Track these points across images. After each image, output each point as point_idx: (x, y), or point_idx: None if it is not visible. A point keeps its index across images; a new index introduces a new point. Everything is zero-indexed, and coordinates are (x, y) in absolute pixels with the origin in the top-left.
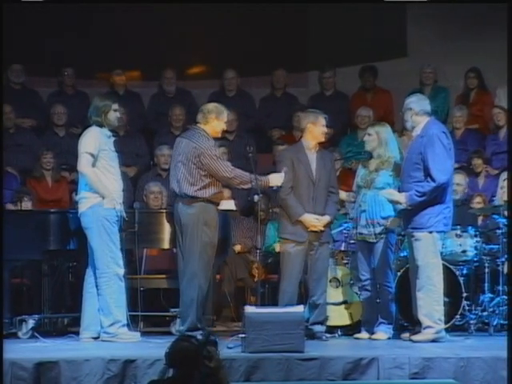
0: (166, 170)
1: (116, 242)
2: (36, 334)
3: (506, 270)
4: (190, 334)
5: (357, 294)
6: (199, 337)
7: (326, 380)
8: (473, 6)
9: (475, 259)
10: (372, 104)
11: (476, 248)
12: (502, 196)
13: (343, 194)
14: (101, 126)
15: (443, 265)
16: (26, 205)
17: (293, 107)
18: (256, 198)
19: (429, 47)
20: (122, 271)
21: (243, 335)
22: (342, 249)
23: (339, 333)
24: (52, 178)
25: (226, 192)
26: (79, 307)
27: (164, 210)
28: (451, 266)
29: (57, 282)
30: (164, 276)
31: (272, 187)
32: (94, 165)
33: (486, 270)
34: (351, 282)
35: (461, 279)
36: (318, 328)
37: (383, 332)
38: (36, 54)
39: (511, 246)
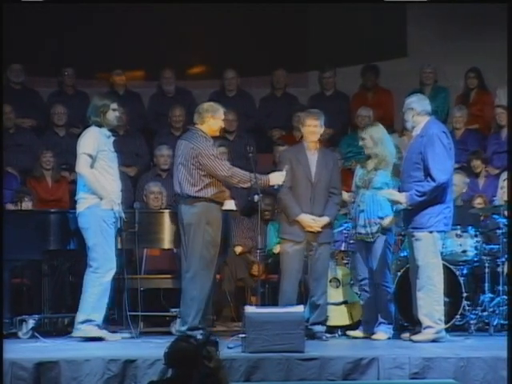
0: (165, 171)
1: (111, 243)
2: (36, 333)
3: (506, 270)
4: (189, 334)
5: (357, 293)
6: (199, 337)
7: (326, 380)
8: (473, 6)
9: (475, 259)
10: (372, 104)
11: (476, 248)
12: (502, 196)
13: (345, 195)
14: (100, 125)
15: (443, 265)
16: (26, 205)
17: (293, 107)
18: (256, 197)
19: (429, 47)
20: (111, 274)
21: (243, 335)
22: (342, 249)
23: (339, 333)
24: (52, 178)
25: (226, 192)
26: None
27: (164, 210)
28: (451, 266)
29: (57, 282)
30: (164, 276)
31: (273, 186)
32: (92, 166)
33: (486, 270)
34: (351, 282)
35: (461, 279)
36: (318, 328)
37: (383, 332)
38: (36, 53)
39: (511, 246)
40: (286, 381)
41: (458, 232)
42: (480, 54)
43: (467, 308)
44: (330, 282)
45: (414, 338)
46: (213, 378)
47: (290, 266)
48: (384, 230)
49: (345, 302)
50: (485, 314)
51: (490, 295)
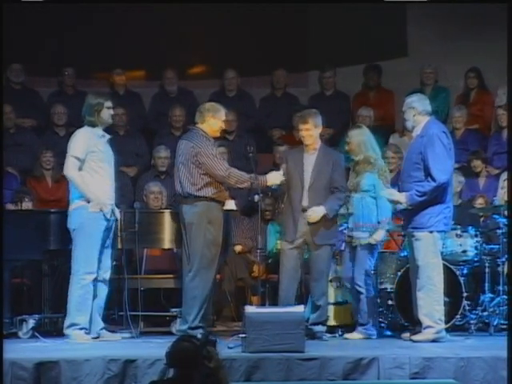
0: (163, 173)
1: (95, 247)
2: (36, 333)
3: (506, 270)
4: (190, 333)
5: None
6: (199, 336)
7: (326, 380)
8: (473, 6)
9: (475, 259)
10: (373, 103)
11: (476, 248)
12: (502, 196)
13: None
14: (94, 125)
15: (444, 265)
16: (27, 205)
17: (293, 107)
18: (256, 197)
19: (429, 47)
20: (90, 277)
21: (243, 335)
22: (342, 249)
23: (339, 333)
24: (52, 178)
25: (226, 192)
26: None
27: (164, 210)
28: (451, 266)
29: (57, 282)
30: (164, 276)
31: (270, 186)
32: (80, 168)
33: (487, 269)
34: None
35: (461, 279)
36: (319, 328)
37: (356, 333)
38: (36, 53)
39: (510, 246)
40: (286, 381)
41: (458, 232)
42: (480, 54)
43: (467, 308)
44: (331, 281)
45: (414, 337)
46: (213, 378)
47: (286, 265)
48: (371, 241)
49: (345, 302)
50: (485, 313)
51: (490, 295)
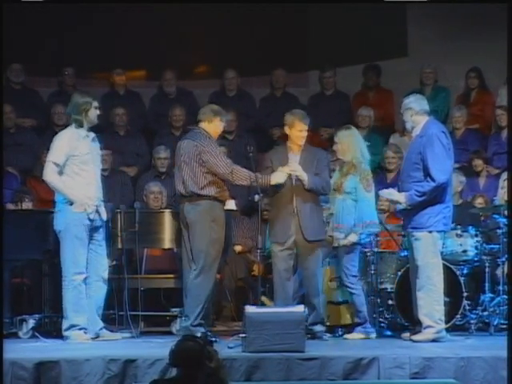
0: (163, 173)
1: (82, 247)
2: (36, 333)
3: (506, 270)
4: (192, 331)
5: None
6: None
7: (326, 380)
8: (473, 6)
9: (476, 259)
10: (373, 103)
11: (476, 248)
12: (502, 196)
13: None
14: (80, 124)
15: (444, 264)
16: (27, 205)
17: (293, 107)
18: (256, 197)
19: (429, 47)
20: (80, 277)
21: (244, 335)
22: None
23: (339, 333)
24: None
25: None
26: None
27: (164, 210)
28: (452, 266)
29: (57, 282)
30: (164, 276)
31: (274, 186)
32: (62, 172)
33: (487, 269)
34: None
35: (461, 279)
36: (318, 328)
37: (355, 333)
38: (36, 53)
39: (510, 246)
40: (286, 380)
41: (459, 232)
42: (480, 54)
43: (467, 308)
44: (331, 281)
45: (415, 337)
46: (214, 377)
47: (277, 266)
48: (345, 243)
49: (345, 302)
50: (485, 313)
51: (491, 295)
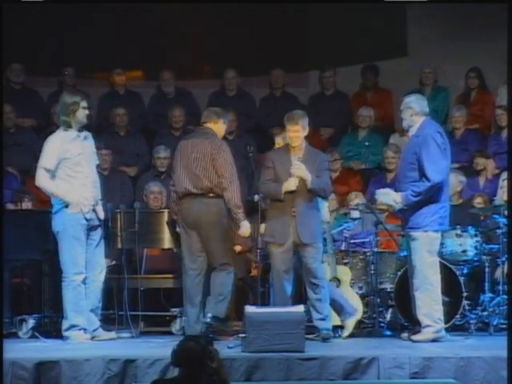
0: (163, 173)
1: (80, 247)
2: (36, 333)
3: (506, 270)
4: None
5: (357, 293)
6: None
7: (326, 380)
8: (473, 6)
9: (475, 259)
10: (372, 103)
11: (476, 248)
12: (501, 196)
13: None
14: (69, 125)
15: (444, 264)
16: (26, 205)
17: (293, 107)
18: (256, 197)
19: (429, 47)
20: (80, 278)
21: (243, 335)
22: (343, 248)
23: (339, 332)
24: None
25: None
26: None
27: (164, 210)
28: (451, 266)
29: (57, 282)
30: (164, 276)
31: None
32: (54, 176)
33: (486, 269)
34: (352, 281)
35: (461, 279)
36: (324, 325)
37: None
38: (36, 53)
39: (510, 246)
40: (286, 380)
41: (458, 232)
42: (480, 54)
43: (467, 308)
44: (330, 281)
45: (414, 337)
46: (216, 377)
47: (276, 267)
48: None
49: None
50: (485, 313)
51: (490, 295)
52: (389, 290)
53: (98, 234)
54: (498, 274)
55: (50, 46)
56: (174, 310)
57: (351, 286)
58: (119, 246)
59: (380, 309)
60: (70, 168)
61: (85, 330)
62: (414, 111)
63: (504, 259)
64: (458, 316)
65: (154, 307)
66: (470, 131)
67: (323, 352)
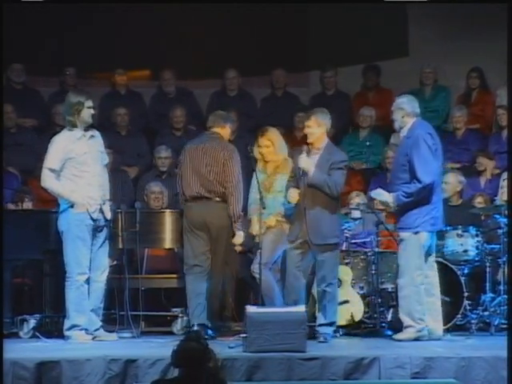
0: (164, 173)
1: (85, 247)
2: (37, 333)
3: (506, 270)
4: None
5: (358, 293)
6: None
7: (327, 380)
8: (474, 6)
9: (476, 259)
10: (373, 103)
11: (477, 248)
12: (501, 196)
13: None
14: (74, 125)
15: (444, 264)
16: (27, 205)
17: (294, 107)
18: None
19: (430, 47)
20: (84, 277)
21: (244, 335)
22: (343, 248)
23: (340, 332)
24: None
25: None
26: None
27: (165, 210)
28: (452, 266)
29: (58, 282)
30: (165, 276)
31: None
32: (59, 176)
33: (488, 269)
34: (353, 281)
35: (462, 279)
36: (325, 330)
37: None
38: (37, 53)
39: (510, 246)
40: (287, 380)
41: (459, 232)
42: (481, 54)
43: (468, 308)
44: None
45: (397, 336)
46: (215, 378)
47: (288, 266)
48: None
49: (346, 302)
50: (486, 313)
51: (491, 295)
52: (390, 289)
53: (103, 234)
54: (500, 272)
55: (51, 46)
56: (175, 309)
57: (352, 286)
58: (120, 246)
59: (381, 309)
60: (76, 167)
61: (86, 330)
62: (406, 112)
63: (505, 259)
64: (459, 316)
65: (155, 307)
66: (470, 131)
67: (324, 352)
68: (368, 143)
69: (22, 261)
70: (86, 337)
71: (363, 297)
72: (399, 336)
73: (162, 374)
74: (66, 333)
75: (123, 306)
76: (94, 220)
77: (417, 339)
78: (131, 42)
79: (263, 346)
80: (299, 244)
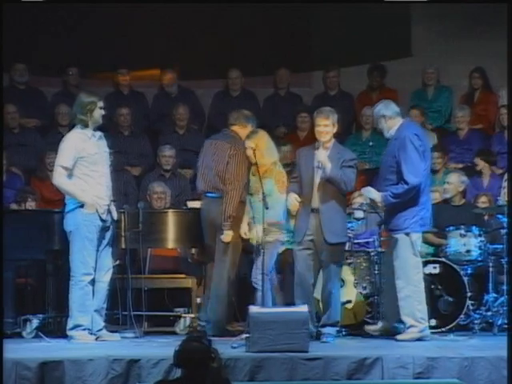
0: (168, 171)
1: (92, 248)
2: (40, 333)
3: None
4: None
5: (360, 293)
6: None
7: (330, 380)
8: (477, 6)
9: (479, 259)
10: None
11: (480, 248)
12: (504, 196)
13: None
14: (85, 125)
15: (447, 264)
16: (30, 204)
17: (297, 107)
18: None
19: (433, 47)
20: (89, 278)
21: (247, 335)
22: (346, 248)
23: (343, 332)
24: None
25: None
26: None
27: (168, 210)
28: (455, 266)
29: (61, 282)
30: (168, 276)
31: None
32: (72, 174)
33: (490, 269)
34: (355, 281)
35: (465, 279)
36: (328, 330)
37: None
38: (40, 53)
39: (510, 246)
40: (290, 380)
41: (462, 231)
42: (484, 54)
43: (471, 308)
44: None
45: (399, 337)
46: (218, 377)
47: (296, 266)
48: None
49: (349, 302)
50: (489, 313)
51: (494, 295)
52: None
53: (108, 234)
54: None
55: (53, 46)
56: (177, 310)
57: (355, 287)
58: (123, 245)
59: (383, 309)
60: (87, 167)
61: (89, 330)
62: (387, 116)
63: (508, 259)
64: (462, 316)
65: (158, 307)
66: (473, 131)
67: (327, 352)
68: (371, 143)
69: (25, 261)
70: (89, 337)
71: (366, 297)
72: (402, 336)
73: (165, 374)
74: (69, 333)
75: (126, 306)
76: (102, 221)
77: (420, 339)
78: (134, 41)
79: (266, 346)
80: (307, 244)
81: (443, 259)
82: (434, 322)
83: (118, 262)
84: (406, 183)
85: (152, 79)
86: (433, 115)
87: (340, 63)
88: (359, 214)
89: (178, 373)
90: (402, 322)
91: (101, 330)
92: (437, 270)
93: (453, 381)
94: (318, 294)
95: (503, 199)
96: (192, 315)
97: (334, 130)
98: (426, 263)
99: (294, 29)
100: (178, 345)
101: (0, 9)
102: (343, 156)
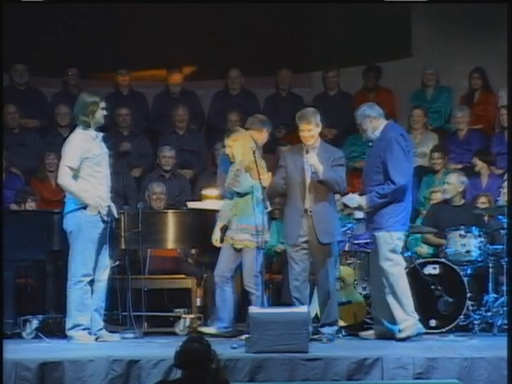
0: (168, 172)
1: (93, 249)
2: (40, 334)
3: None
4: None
5: (360, 293)
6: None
7: (330, 380)
8: (477, 6)
9: (479, 259)
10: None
11: (480, 248)
12: (504, 196)
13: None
14: (88, 125)
15: (447, 265)
16: (30, 205)
17: (298, 107)
18: (269, 208)
19: (433, 47)
20: (88, 279)
21: (247, 335)
22: (346, 249)
23: (343, 333)
24: (56, 180)
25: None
26: None
27: (167, 211)
28: (455, 266)
29: (61, 283)
30: (168, 276)
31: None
32: (77, 175)
33: (490, 270)
34: (355, 282)
35: (465, 279)
36: (327, 330)
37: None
38: (40, 54)
39: (510, 246)
40: (290, 381)
41: (462, 232)
42: (484, 55)
43: (471, 308)
44: None
45: (399, 335)
46: (218, 378)
47: (292, 268)
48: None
49: (349, 302)
50: (489, 314)
51: (494, 295)
52: None
53: (107, 234)
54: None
55: (53, 47)
56: (177, 310)
57: (355, 287)
58: (123, 246)
59: None
60: (91, 168)
61: (88, 329)
62: (372, 117)
63: (508, 260)
64: (461, 316)
65: (158, 308)
66: (473, 131)
67: (327, 352)
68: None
69: (25, 261)
70: (89, 337)
71: (366, 297)
72: (401, 335)
73: (165, 375)
74: (69, 333)
75: (126, 307)
76: (104, 222)
77: (419, 339)
78: (134, 42)
79: (266, 347)
80: (301, 245)
81: (443, 260)
82: (433, 323)
83: (117, 263)
84: (394, 183)
85: (152, 79)
86: (432, 116)
87: (340, 63)
88: (359, 214)
89: (178, 373)
90: (394, 322)
91: (100, 329)
92: (437, 271)
93: (453, 381)
94: (314, 295)
95: (503, 199)
96: (192, 316)
97: (319, 129)
98: (425, 264)
99: (294, 29)
100: (178, 346)
101: (0, 9)
102: (332, 155)
